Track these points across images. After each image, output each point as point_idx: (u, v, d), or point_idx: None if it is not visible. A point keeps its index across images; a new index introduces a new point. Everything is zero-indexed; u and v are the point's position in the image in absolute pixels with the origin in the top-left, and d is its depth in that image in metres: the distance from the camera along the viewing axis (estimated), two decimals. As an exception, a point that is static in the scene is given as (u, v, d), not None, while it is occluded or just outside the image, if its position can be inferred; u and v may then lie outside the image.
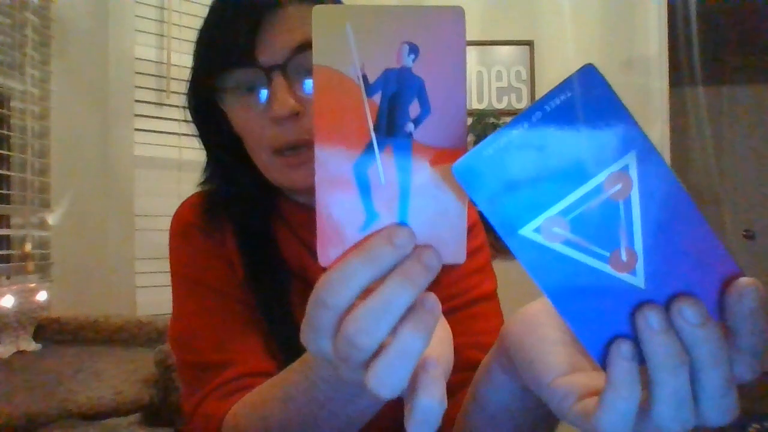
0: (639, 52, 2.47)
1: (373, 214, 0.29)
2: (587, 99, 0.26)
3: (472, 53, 2.55)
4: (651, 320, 0.27)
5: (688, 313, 0.27)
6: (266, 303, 0.62)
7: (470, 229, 0.69)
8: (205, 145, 0.67)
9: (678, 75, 3.04)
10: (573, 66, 0.27)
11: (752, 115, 4.34)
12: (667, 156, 2.47)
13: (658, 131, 2.45)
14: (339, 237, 0.29)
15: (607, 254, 0.27)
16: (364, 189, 0.29)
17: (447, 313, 0.64)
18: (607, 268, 0.27)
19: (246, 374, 0.58)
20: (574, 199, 0.27)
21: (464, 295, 0.65)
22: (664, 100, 2.45)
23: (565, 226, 0.27)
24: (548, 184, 0.26)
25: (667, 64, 2.45)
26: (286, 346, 0.60)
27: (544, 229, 0.27)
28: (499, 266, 0.72)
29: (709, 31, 3.06)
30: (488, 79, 2.54)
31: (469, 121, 2.38)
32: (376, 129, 0.28)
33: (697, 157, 4.14)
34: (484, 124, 2.32)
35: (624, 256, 0.27)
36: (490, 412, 0.44)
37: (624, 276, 0.27)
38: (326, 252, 0.29)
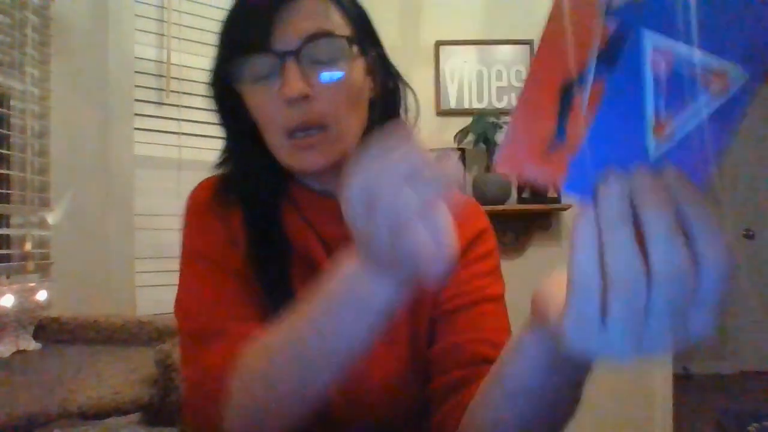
0: (639, 51, 2.46)
1: (562, 135, 0.29)
2: (760, 15, 0.27)
3: (472, 53, 2.55)
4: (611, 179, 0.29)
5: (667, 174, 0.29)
6: (266, 278, 0.65)
7: (481, 234, 0.71)
8: (224, 128, 0.71)
9: (678, 75, 3.03)
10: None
11: (752, 115, 4.34)
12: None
13: (658, 131, 2.45)
14: (522, 147, 0.29)
15: (663, 115, 0.28)
16: (564, 108, 0.29)
17: (458, 309, 0.66)
18: (651, 122, 0.28)
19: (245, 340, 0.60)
20: (691, 57, 0.28)
21: (475, 293, 0.66)
22: (664, 100, 2.45)
23: (668, 66, 0.27)
24: (696, 28, 0.27)
25: (667, 64, 2.45)
26: None
27: (662, 50, 0.28)
28: (504, 272, 0.74)
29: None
30: (488, 78, 2.54)
31: (469, 120, 2.38)
32: (598, 56, 0.28)
33: (697, 156, 4.14)
34: (484, 124, 2.31)
35: (668, 127, 0.28)
36: (510, 388, 0.46)
37: (651, 139, 0.28)
38: (506, 156, 0.30)
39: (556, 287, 0.37)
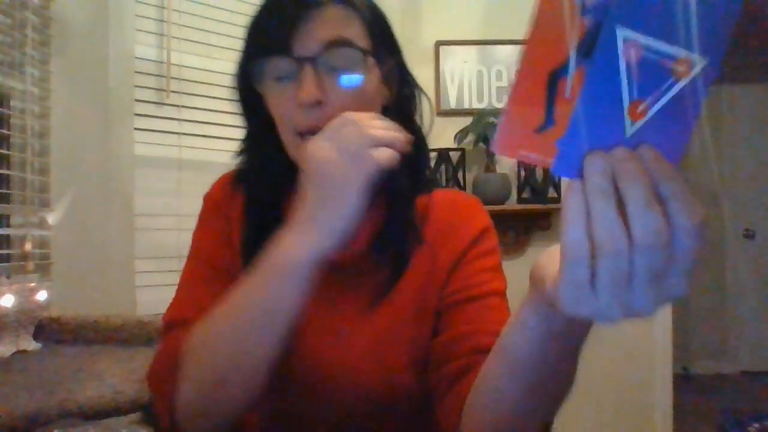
0: (639, 51, 2.47)
1: (550, 120, 0.33)
2: (717, 9, 0.31)
3: (472, 53, 2.55)
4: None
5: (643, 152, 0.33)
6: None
7: (484, 232, 0.74)
8: (244, 121, 0.75)
9: (678, 75, 3.03)
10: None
11: (752, 115, 4.34)
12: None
13: (658, 131, 2.45)
14: (515, 130, 0.34)
15: (635, 99, 0.32)
16: (551, 96, 0.33)
17: (462, 302, 0.70)
18: (626, 105, 0.32)
19: None
20: (657, 47, 0.31)
21: (479, 287, 0.69)
22: (664, 100, 2.45)
23: (637, 55, 0.32)
24: (661, 22, 0.31)
25: (667, 64, 2.45)
26: None
27: (632, 42, 0.31)
28: (504, 271, 0.76)
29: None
30: (488, 78, 2.54)
31: (469, 120, 2.38)
32: (577, 47, 0.32)
33: (697, 157, 4.14)
34: (484, 124, 2.31)
35: (641, 109, 0.32)
36: (511, 357, 0.49)
37: (627, 120, 0.32)
38: (501, 139, 0.34)
39: (551, 258, 0.40)
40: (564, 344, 0.46)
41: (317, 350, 0.68)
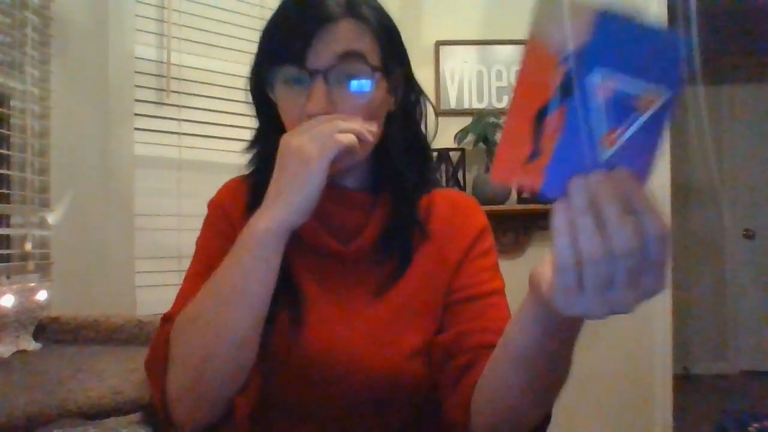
0: (639, 51, 2.46)
1: (538, 152, 0.39)
2: (674, 48, 0.36)
3: (472, 53, 2.55)
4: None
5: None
6: None
7: (483, 231, 0.78)
8: (256, 118, 0.79)
9: (678, 75, 3.03)
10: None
11: (752, 115, 4.34)
12: (667, 155, 2.47)
13: (658, 131, 2.45)
14: (509, 161, 0.39)
15: (609, 129, 0.37)
16: (538, 131, 0.38)
17: (466, 300, 0.73)
18: (601, 135, 0.37)
19: None
20: (625, 84, 0.37)
21: (481, 285, 0.72)
22: (664, 100, 2.44)
23: (609, 93, 0.37)
24: (627, 63, 0.36)
25: (667, 64, 2.44)
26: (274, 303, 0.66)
27: (604, 81, 0.37)
28: (504, 272, 0.77)
29: (709, 31, 3.06)
30: (488, 78, 2.53)
31: (469, 120, 2.38)
32: (559, 89, 0.38)
33: (697, 157, 4.14)
34: (484, 124, 2.31)
35: (614, 137, 0.38)
36: (514, 352, 0.54)
37: (602, 147, 0.38)
38: (497, 169, 0.40)
39: (547, 265, 0.45)
40: (560, 340, 0.51)
41: (323, 339, 0.70)
